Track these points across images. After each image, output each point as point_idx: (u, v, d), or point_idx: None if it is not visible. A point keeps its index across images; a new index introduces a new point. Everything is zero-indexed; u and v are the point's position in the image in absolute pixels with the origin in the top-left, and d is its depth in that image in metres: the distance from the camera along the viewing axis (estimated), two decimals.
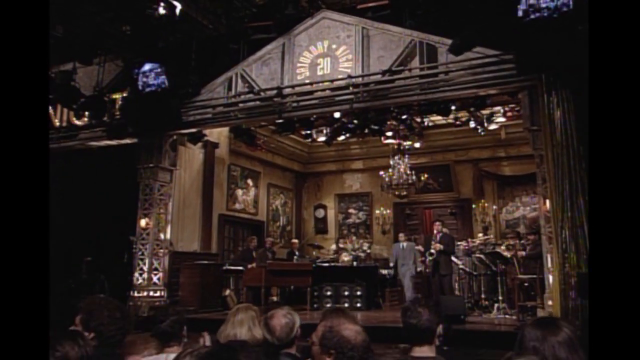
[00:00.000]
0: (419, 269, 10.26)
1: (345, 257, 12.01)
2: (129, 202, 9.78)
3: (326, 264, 11.08)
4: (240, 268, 10.76)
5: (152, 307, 9.29)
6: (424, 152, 13.16)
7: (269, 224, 13.36)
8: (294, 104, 8.62)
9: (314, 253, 12.52)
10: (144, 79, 8.72)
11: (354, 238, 12.33)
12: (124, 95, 9.49)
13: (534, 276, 8.07)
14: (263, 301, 9.69)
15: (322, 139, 12.18)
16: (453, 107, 9.37)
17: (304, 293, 10.76)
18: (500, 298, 8.98)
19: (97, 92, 9.32)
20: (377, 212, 13.85)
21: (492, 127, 11.56)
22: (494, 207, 12.57)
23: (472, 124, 10.92)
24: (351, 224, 14.28)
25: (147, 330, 8.50)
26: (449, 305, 7.75)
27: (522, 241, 9.76)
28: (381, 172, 11.65)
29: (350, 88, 7.91)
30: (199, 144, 10.84)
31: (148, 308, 9.23)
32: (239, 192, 12.27)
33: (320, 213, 14.69)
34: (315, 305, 10.31)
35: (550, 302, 6.92)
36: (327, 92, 8.34)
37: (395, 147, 11.61)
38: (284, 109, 8.57)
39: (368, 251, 12.13)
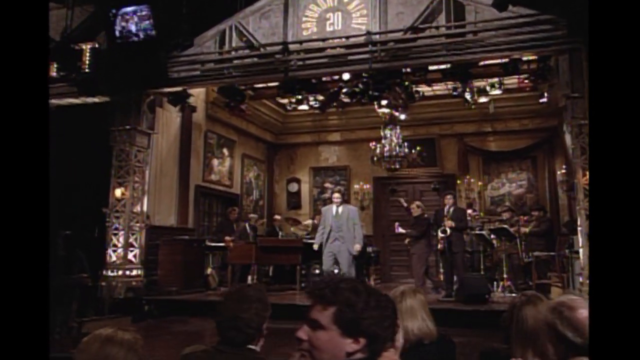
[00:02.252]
0: (357, 249, 7.66)
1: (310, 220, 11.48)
2: (98, 169, 8.64)
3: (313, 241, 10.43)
4: (222, 245, 9.93)
5: (129, 287, 8.31)
6: (407, 125, 12.63)
7: (243, 198, 12.48)
8: (300, 63, 7.81)
9: (291, 229, 11.82)
10: (124, 24, 7.58)
11: None
12: (96, 44, 8.26)
13: (553, 253, 7.85)
14: (253, 280, 8.94)
15: (303, 107, 11.40)
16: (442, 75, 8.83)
17: (288, 271, 10.12)
18: (505, 276, 8.73)
19: (64, 39, 8.04)
20: (356, 187, 13.30)
21: (482, 100, 11.25)
22: (479, 183, 12.35)
23: (467, 95, 10.52)
24: (327, 199, 13.61)
25: (125, 314, 7.60)
26: (472, 284, 7.35)
27: (525, 217, 9.57)
28: (373, 143, 11.04)
29: (370, 46, 7.19)
30: (176, 107, 9.76)
31: (125, 289, 8.23)
32: (215, 161, 11.30)
33: (293, 187, 13.94)
34: (303, 285, 9.68)
35: (581, 280, 6.66)
36: (340, 50, 7.59)
37: (387, 117, 11.03)
38: (289, 67, 7.73)
39: None
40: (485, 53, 7.02)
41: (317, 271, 10.07)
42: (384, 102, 10.54)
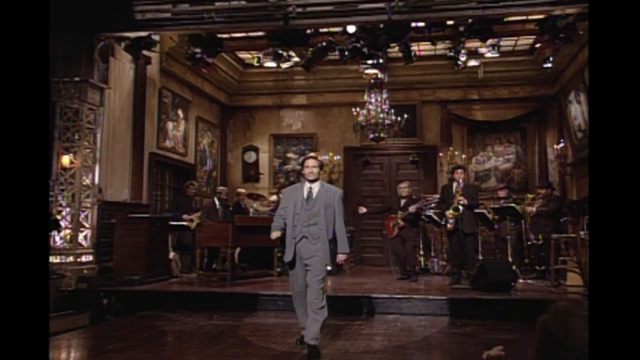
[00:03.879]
0: (341, 260, 5.11)
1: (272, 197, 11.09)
2: (34, 131, 7.66)
3: None
4: (185, 224, 9.30)
5: (81, 277, 7.55)
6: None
7: (197, 168, 11.76)
8: (299, 10, 7.24)
9: (253, 205, 11.31)
10: None
11: None
12: None
13: (573, 235, 7.94)
14: (228, 266, 8.42)
15: (270, 64, 10.77)
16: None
17: (261, 255, 9.66)
18: (510, 259, 8.79)
19: None
20: (324, 157, 12.92)
21: (472, 63, 11.18)
22: (463, 156, 12.39)
23: (462, 58, 10.37)
24: (290, 171, 13.20)
25: (79, 310, 6.89)
26: (496, 271, 7.25)
27: (531, 196, 9.66)
28: (356, 108, 10.67)
29: None
30: (130, 58, 8.88)
31: (76, 279, 7.47)
32: (169, 125, 10.49)
33: (250, 157, 13.35)
34: (279, 270, 9.30)
35: None
36: None
37: (372, 79, 10.68)
38: (287, 14, 7.15)
39: None
40: (522, 7, 6.80)
41: None
42: (370, 62, 10.19)
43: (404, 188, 9.26)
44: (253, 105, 13.46)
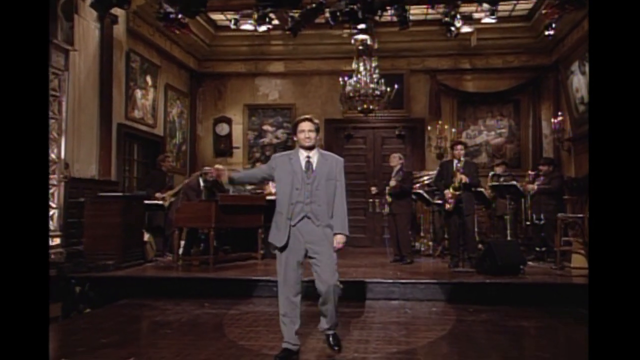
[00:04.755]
0: (340, 242, 4.30)
1: (274, 189, 10.89)
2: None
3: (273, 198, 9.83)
4: (159, 202, 9.04)
5: (49, 262, 7.20)
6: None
7: (166, 141, 11.40)
8: None
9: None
10: None
11: None
12: None
13: (581, 215, 8.02)
14: (211, 250, 8.20)
15: (247, 26, 10.43)
16: None
17: (242, 236, 9.47)
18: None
19: None
20: None
21: (465, 29, 11.09)
22: (453, 130, 12.37)
23: (456, 23, 10.25)
24: (266, 144, 12.96)
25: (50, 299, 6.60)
26: (504, 253, 7.26)
27: (530, 173, 9.72)
28: (345, 78, 10.46)
29: None
30: (95, 16, 8.43)
31: None
32: (138, 93, 10.08)
33: (222, 129, 13.02)
34: (262, 252, 9.17)
35: None
36: None
37: (360, 46, 10.47)
38: None
39: None
40: None
41: None
42: (361, 26, 9.98)
43: (394, 158, 9.14)
44: (225, 73, 13.09)
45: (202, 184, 9.05)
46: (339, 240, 4.27)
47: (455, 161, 8.13)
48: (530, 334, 5.04)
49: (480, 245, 8.91)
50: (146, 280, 7.25)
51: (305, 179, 4.20)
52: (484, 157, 12.24)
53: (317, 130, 4.33)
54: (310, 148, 4.27)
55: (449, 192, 8.02)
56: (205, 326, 5.25)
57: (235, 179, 4.65)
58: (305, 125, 4.28)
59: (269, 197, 9.58)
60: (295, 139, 4.44)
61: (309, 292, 4.51)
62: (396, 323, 5.44)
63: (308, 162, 4.24)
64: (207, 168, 9.52)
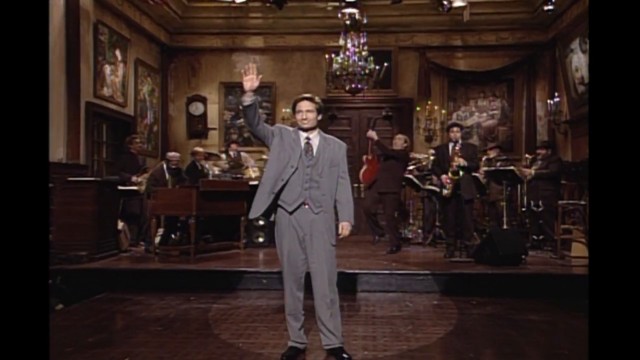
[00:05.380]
0: (345, 230, 4.20)
1: (254, 173, 10.85)
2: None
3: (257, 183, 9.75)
4: (134, 188, 8.92)
5: None
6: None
7: (137, 122, 11.21)
8: None
9: (206, 166, 10.94)
10: None
11: None
12: None
13: (582, 202, 8.13)
14: (192, 239, 8.11)
15: None
16: None
17: (224, 224, 9.40)
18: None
19: None
20: (284, 111, 12.62)
21: (457, 3, 11.12)
22: (443, 111, 12.42)
23: None
24: (244, 126, 12.81)
25: None
26: (505, 242, 7.32)
27: (527, 156, 9.82)
28: (331, 54, 10.37)
29: None
30: None
31: None
32: (107, 69, 9.87)
33: (196, 108, 12.84)
34: (244, 241, 9.15)
35: None
36: None
37: (348, 20, 10.38)
38: None
39: None
40: None
41: (262, 222, 9.52)
42: None
43: (399, 140, 9.07)
44: (199, 47, 12.90)
45: (167, 173, 8.97)
46: (346, 227, 4.19)
47: (451, 144, 8.15)
48: (543, 329, 5.09)
49: (474, 234, 8.99)
50: (125, 273, 7.15)
51: (304, 159, 4.09)
52: (475, 140, 12.28)
53: (318, 111, 4.17)
54: (309, 130, 4.15)
55: (446, 177, 8.04)
56: (197, 322, 5.19)
57: (254, 103, 4.10)
58: (303, 105, 4.14)
59: (251, 183, 9.56)
60: (295, 110, 4.23)
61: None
62: (399, 317, 5.45)
63: (307, 144, 4.13)
64: (170, 154, 9.41)
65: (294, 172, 4.05)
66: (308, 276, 4.11)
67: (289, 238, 4.10)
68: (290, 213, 4.08)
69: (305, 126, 4.13)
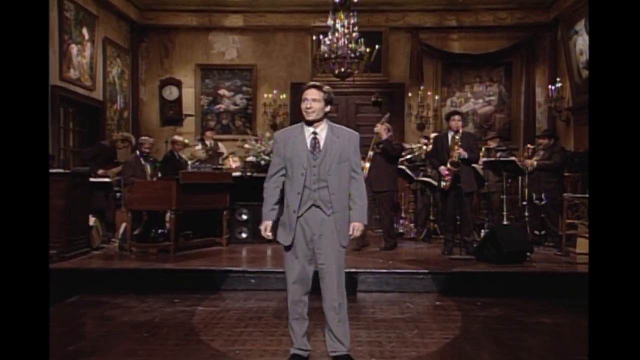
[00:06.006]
0: (358, 230, 4.11)
1: (234, 163, 10.75)
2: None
3: (239, 174, 9.68)
4: (107, 180, 8.79)
5: None
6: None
7: (106, 107, 11.01)
8: None
9: (183, 157, 10.82)
10: None
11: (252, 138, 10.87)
12: None
13: (586, 195, 8.15)
14: (172, 236, 8.00)
15: None
16: None
17: (205, 218, 9.28)
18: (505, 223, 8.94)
19: None
20: (266, 95, 12.52)
21: None
22: (436, 97, 12.41)
23: None
24: (223, 111, 12.73)
25: None
26: (509, 239, 7.32)
27: (529, 147, 9.83)
28: (319, 36, 10.27)
29: None
30: None
31: None
32: (74, 49, 9.66)
33: (170, 93, 12.69)
34: (227, 237, 9.06)
35: None
36: None
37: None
38: None
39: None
40: None
41: (245, 216, 9.44)
42: None
43: (382, 129, 8.94)
44: (173, 26, 12.72)
45: (142, 160, 8.86)
46: (357, 227, 4.08)
47: (451, 133, 8.11)
48: (557, 332, 5.09)
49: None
50: (99, 273, 7.01)
51: (312, 160, 3.94)
52: (471, 128, 12.30)
53: (326, 101, 3.97)
54: (315, 122, 3.97)
55: (445, 169, 8.02)
56: (185, 327, 5.11)
57: (271, 215, 4.08)
58: (310, 93, 3.94)
59: (235, 174, 9.47)
60: (303, 100, 4.02)
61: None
62: (402, 320, 5.43)
63: (314, 139, 3.96)
64: (143, 138, 9.29)
65: (305, 178, 3.94)
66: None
67: (297, 243, 3.99)
68: (300, 216, 3.97)
69: (310, 117, 3.94)
